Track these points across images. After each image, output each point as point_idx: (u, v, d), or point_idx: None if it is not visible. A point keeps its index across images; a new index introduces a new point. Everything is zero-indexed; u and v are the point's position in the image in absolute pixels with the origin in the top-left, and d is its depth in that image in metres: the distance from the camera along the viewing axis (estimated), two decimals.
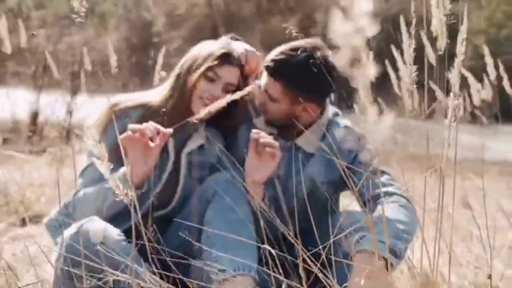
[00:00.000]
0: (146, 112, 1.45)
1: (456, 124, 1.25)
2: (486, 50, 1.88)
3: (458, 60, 1.22)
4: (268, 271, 1.22)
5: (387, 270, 1.23)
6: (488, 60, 1.94)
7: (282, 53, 1.44)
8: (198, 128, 1.48)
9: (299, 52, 1.42)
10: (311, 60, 1.41)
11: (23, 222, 2.23)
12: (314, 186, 1.48)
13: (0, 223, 2.09)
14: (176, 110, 1.43)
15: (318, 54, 1.44)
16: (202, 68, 1.43)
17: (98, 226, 1.29)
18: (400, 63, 1.38)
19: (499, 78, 2.16)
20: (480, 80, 2.23)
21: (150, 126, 1.32)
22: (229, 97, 1.26)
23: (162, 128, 1.33)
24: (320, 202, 1.44)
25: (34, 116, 5.99)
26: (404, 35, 1.34)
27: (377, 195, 1.41)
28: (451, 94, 1.22)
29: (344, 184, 1.38)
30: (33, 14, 9.47)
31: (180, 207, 1.45)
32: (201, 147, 1.49)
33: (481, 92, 2.22)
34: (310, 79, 1.39)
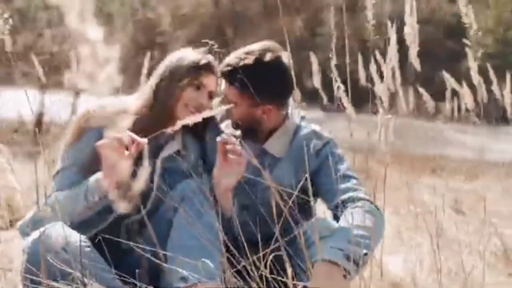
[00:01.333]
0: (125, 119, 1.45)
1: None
2: (469, 54, 1.84)
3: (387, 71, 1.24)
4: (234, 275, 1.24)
5: (345, 277, 1.23)
6: (472, 64, 1.91)
7: (235, 57, 1.46)
8: (175, 135, 1.50)
9: (250, 55, 1.44)
10: (262, 63, 1.43)
11: (11, 225, 2.24)
12: (282, 191, 1.48)
13: None
14: (157, 118, 1.44)
15: (269, 56, 1.45)
16: (191, 77, 1.45)
17: (60, 232, 1.29)
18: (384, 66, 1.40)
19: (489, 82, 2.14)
20: (487, 81, 2.21)
21: (126, 135, 1.33)
22: (212, 112, 1.29)
23: (137, 138, 1.34)
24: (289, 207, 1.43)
25: (40, 116, 6.01)
26: (392, 38, 1.35)
27: (344, 200, 1.41)
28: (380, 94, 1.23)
29: (313, 189, 1.38)
30: (41, 14, 9.51)
31: (153, 213, 1.45)
32: (177, 153, 1.50)
33: (481, 94, 2.18)
34: (262, 81, 1.39)
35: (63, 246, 1.27)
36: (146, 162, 1.40)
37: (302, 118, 1.60)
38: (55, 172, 1.47)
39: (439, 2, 12.28)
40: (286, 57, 1.47)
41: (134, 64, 9.25)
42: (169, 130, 1.27)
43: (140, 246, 1.34)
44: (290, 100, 1.59)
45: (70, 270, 1.22)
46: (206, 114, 1.25)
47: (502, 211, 2.84)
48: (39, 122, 5.98)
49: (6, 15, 1.73)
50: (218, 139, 1.37)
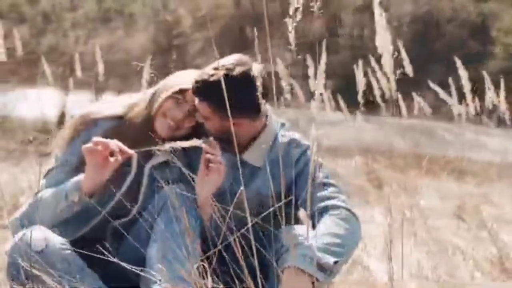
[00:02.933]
0: (117, 124, 1.51)
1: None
2: (459, 63, 1.81)
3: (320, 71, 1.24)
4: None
5: (314, 284, 1.26)
6: (462, 72, 1.87)
7: (204, 73, 1.48)
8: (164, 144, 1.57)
9: (219, 70, 1.46)
10: (231, 77, 1.45)
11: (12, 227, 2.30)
12: (262, 200, 1.50)
13: None
14: (146, 125, 1.49)
15: (238, 70, 1.47)
16: (176, 88, 1.50)
17: (40, 235, 1.34)
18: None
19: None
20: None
21: (114, 143, 1.40)
22: (189, 143, 1.36)
23: (125, 148, 1.40)
24: (269, 216, 1.41)
25: (61, 116, 6.12)
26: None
27: (321, 208, 1.43)
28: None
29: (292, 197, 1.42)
30: (66, 15, 9.68)
31: (138, 218, 1.49)
32: (165, 163, 1.53)
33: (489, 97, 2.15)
34: (231, 96, 1.37)
35: (42, 249, 1.32)
36: (134, 167, 1.48)
37: (282, 125, 1.62)
38: (46, 170, 1.52)
39: (462, 2, 12.10)
40: (257, 70, 1.49)
41: (154, 64, 9.33)
42: (156, 148, 1.35)
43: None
44: (269, 108, 1.60)
45: (37, 273, 1.27)
46: (184, 144, 1.33)
47: (507, 216, 2.79)
48: (60, 121, 6.09)
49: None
50: (203, 145, 1.41)
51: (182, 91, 1.50)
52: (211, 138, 1.50)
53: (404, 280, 1.71)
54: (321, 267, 1.28)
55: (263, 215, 1.34)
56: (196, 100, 1.49)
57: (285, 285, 1.28)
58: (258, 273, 1.26)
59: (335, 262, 1.30)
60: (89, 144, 1.39)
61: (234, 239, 1.29)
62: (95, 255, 1.36)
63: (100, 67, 3.05)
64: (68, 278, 1.30)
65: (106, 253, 1.30)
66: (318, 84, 1.65)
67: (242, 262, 1.25)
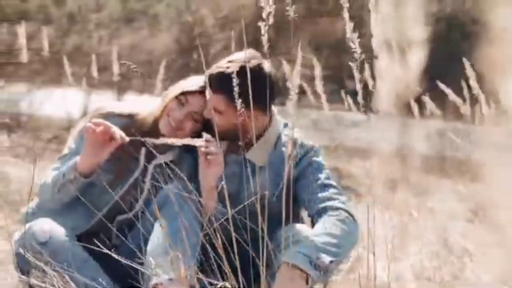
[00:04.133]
0: (127, 122, 1.60)
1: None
2: (467, 64, 1.76)
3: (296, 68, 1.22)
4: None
5: (308, 282, 1.30)
6: (470, 73, 1.81)
7: (219, 66, 1.53)
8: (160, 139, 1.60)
9: (234, 63, 1.51)
10: (248, 69, 1.48)
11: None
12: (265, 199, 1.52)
13: (5, 220, 2.20)
14: (153, 125, 1.58)
15: (252, 62, 1.52)
16: (179, 90, 1.58)
17: (44, 227, 1.41)
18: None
19: None
20: None
21: (115, 127, 1.47)
22: (183, 141, 1.45)
23: (122, 134, 1.48)
24: (273, 214, 1.43)
25: (84, 115, 6.22)
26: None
27: (321, 209, 1.46)
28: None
29: (293, 197, 1.45)
30: (91, 16, 9.83)
31: (143, 213, 1.56)
32: (171, 162, 1.59)
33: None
34: (248, 87, 1.43)
35: (46, 241, 1.38)
36: (141, 164, 1.55)
37: (285, 125, 1.63)
38: (58, 157, 1.63)
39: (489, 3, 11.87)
40: (268, 66, 1.53)
41: (177, 65, 9.41)
42: (151, 141, 1.39)
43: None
44: (274, 109, 1.62)
45: (38, 263, 1.35)
46: (185, 142, 1.37)
47: None
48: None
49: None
50: (196, 143, 1.48)
51: (185, 94, 1.55)
52: (207, 135, 1.53)
53: (404, 280, 1.74)
54: (316, 266, 1.31)
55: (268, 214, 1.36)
56: (210, 95, 1.51)
57: (279, 280, 1.31)
58: (251, 270, 1.29)
59: (331, 262, 1.34)
60: (90, 124, 1.46)
61: (234, 235, 1.32)
62: (95, 248, 1.41)
63: (115, 68, 3.12)
64: (68, 269, 1.35)
65: (101, 246, 1.35)
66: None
67: (226, 258, 1.32)
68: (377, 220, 2.61)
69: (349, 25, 1.57)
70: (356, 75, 1.43)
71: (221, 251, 1.33)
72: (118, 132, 1.47)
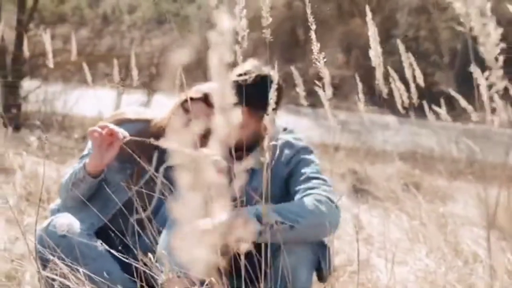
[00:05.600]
0: (140, 127, 1.65)
1: None
2: (477, 72, 1.70)
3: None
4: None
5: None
6: (481, 81, 1.75)
7: (234, 81, 1.55)
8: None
9: (249, 74, 1.55)
10: (263, 78, 1.54)
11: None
12: (259, 199, 1.55)
13: (35, 216, 2.27)
14: (164, 131, 1.63)
15: (265, 70, 1.58)
16: (182, 97, 1.63)
17: (64, 221, 1.49)
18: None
19: None
20: None
21: (119, 130, 1.53)
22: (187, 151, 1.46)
23: (125, 134, 1.54)
24: None
25: None
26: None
27: (303, 196, 1.51)
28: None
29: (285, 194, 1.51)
30: (124, 17, 10.02)
31: (156, 213, 1.62)
32: None
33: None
34: (267, 96, 1.46)
35: (65, 234, 1.46)
36: (152, 166, 1.59)
37: (284, 129, 1.69)
38: (80, 157, 1.69)
39: None
40: (273, 72, 1.58)
41: (205, 66, 9.48)
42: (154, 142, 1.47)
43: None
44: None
45: (50, 257, 1.41)
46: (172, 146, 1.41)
47: None
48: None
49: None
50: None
51: (187, 100, 1.62)
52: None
53: (408, 283, 1.73)
54: (261, 220, 1.38)
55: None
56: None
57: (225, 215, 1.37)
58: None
59: (277, 223, 1.39)
60: (95, 127, 1.52)
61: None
62: (106, 245, 1.49)
63: (135, 73, 3.20)
64: (83, 264, 1.41)
65: (96, 243, 1.41)
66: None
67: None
68: (389, 223, 2.60)
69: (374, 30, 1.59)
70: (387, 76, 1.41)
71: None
72: (121, 131, 1.53)
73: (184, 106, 1.63)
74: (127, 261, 1.50)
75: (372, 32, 1.63)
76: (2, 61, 6.14)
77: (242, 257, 1.33)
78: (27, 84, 6.85)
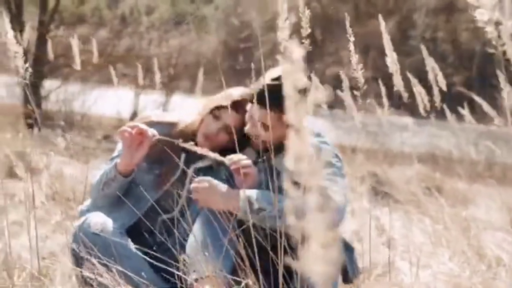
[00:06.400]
0: (167, 131, 1.67)
1: None
2: (502, 79, 1.68)
3: None
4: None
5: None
6: (506, 88, 1.73)
7: (266, 85, 1.56)
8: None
9: (279, 78, 1.54)
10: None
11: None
12: None
13: (62, 215, 2.31)
14: (192, 134, 1.67)
15: None
16: (213, 105, 1.65)
17: (98, 219, 1.52)
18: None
19: None
20: None
21: (149, 130, 1.57)
22: (217, 156, 1.53)
23: (154, 133, 1.57)
24: None
25: (134, 114, 6.41)
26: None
27: None
28: None
29: None
30: (142, 18, 10.11)
31: (184, 213, 1.64)
32: (210, 168, 1.69)
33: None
34: None
35: (99, 232, 1.49)
36: (181, 167, 1.62)
37: (317, 135, 1.69)
38: (110, 158, 1.73)
39: None
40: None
41: (223, 66, 9.53)
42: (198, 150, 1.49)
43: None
44: None
45: (90, 257, 1.44)
46: (216, 156, 1.50)
47: None
48: (133, 120, 6.38)
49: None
50: (227, 162, 1.56)
51: (219, 108, 1.64)
52: (237, 155, 1.59)
53: (432, 286, 1.72)
54: (250, 203, 1.46)
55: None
56: (262, 112, 1.57)
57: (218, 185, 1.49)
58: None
59: (260, 209, 1.45)
60: (124, 127, 1.56)
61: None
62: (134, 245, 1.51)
63: (157, 75, 3.28)
64: (116, 262, 1.44)
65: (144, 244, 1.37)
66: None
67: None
68: (410, 227, 2.59)
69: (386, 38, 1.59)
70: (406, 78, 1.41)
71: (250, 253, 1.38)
72: (150, 131, 1.56)
73: (213, 113, 1.64)
74: (150, 261, 1.52)
75: (387, 40, 1.62)
76: (24, 61, 6.25)
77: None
78: (48, 84, 6.97)
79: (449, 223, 2.50)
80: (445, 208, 2.74)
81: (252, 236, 1.41)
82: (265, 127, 1.60)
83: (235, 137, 1.57)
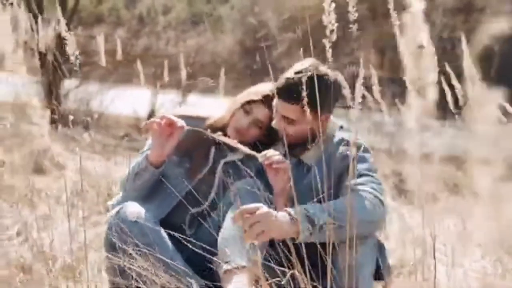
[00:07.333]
0: (200, 125, 1.68)
1: None
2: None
3: None
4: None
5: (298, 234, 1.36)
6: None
7: (289, 78, 1.58)
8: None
9: (304, 72, 1.55)
10: (318, 76, 1.55)
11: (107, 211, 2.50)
12: (317, 195, 1.55)
13: (88, 211, 2.36)
14: (221, 130, 1.67)
15: (321, 69, 1.59)
16: (244, 100, 1.67)
17: (134, 209, 1.54)
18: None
19: None
20: None
21: (179, 120, 1.58)
22: (248, 151, 1.53)
23: (183, 123, 1.58)
24: None
25: (150, 114, 6.47)
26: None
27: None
28: None
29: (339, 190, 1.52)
30: (159, 18, 10.19)
31: (213, 207, 1.66)
32: (240, 161, 1.70)
33: None
34: (321, 93, 1.49)
35: (136, 220, 1.51)
36: (210, 161, 1.65)
37: (340, 127, 1.71)
38: (140, 152, 1.75)
39: None
40: (330, 71, 1.59)
41: (240, 66, 9.56)
42: (213, 135, 1.51)
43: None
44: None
45: (127, 247, 1.46)
46: (247, 151, 1.49)
47: None
48: (150, 119, 6.44)
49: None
50: (261, 159, 1.55)
51: (250, 103, 1.60)
52: (269, 151, 1.58)
53: (466, 285, 1.72)
54: (309, 219, 1.39)
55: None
56: (284, 106, 1.58)
57: (274, 215, 1.40)
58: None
59: (330, 224, 1.39)
60: (154, 119, 1.59)
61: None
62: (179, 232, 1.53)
63: (183, 73, 3.30)
64: (154, 250, 1.47)
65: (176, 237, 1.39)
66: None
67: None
68: (438, 226, 2.58)
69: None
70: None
71: (290, 244, 1.37)
72: (180, 122, 1.58)
73: (244, 107, 1.65)
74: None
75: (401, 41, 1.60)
76: (44, 60, 6.36)
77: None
78: (67, 83, 7.07)
79: (480, 221, 2.46)
80: (473, 206, 2.71)
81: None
82: (288, 121, 1.60)
83: (264, 132, 1.59)
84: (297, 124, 1.61)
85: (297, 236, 1.38)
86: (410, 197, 3.48)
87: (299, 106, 1.55)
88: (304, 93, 1.46)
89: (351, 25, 1.39)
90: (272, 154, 1.55)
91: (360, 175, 1.56)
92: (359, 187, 1.52)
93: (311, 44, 1.52)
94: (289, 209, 1.42)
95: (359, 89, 1.54)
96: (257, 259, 1.39)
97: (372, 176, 1.57)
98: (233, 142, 1.53)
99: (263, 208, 1.38)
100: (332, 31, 1.34)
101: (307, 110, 1.52)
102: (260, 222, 1.35)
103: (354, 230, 1.41)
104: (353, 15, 1.36)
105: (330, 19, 1.31)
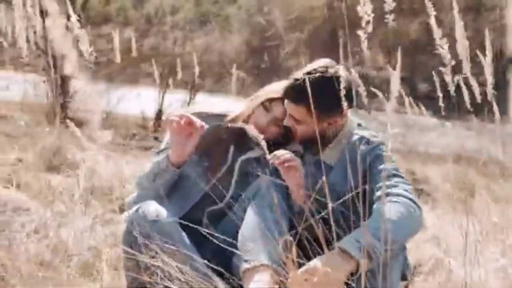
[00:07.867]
0: (219, 123, 1.68)
1: None
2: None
3: None
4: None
5: (358, 269, 1.29)
6: None
7: (297, 79, 1.56)
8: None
9: (313, 73, 1.54)
10: (327, 78, 1.53)
11: (121, 210, 2.50)
12: (338, 195, 1.53)
13: (102, 209, 2.37)
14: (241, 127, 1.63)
15: (330, 71, 1.56)
16: (264, 97, 1.66)
17: (153, 207, 1.53)
18: None
19: None
20: None
21: (197, 120, 1.56)
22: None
23: (202, 123, 1.56)
24: (348, 209, 1.46)
25: (158, 113, 6.48)
26: None
27: (380, 196, 1.46)
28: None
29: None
30: (167, 18, 10.23)
31: (231, 205, 1.64)
32: (258, 159, 1.69)
33: None
34: (328, 96, 1.47)
35: (155, 219, 1.50)
36: (229, 159, 1.63)
37: (359, 125, 1.68)
38: (157, 151, 1.75)
39: None
40: (344, 71, 1.54)
41: (247, 65, 9.56)
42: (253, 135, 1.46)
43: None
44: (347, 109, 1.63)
45: (144, 242, 1.45)
46: (257, 135, 1.45)
47: None
48: (157, 118, 6.44)
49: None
50: (271, 160, 1.54)
51: (270, 100, 1.64)
52: (279, 151, 1.58)
53: (486, 283, 1.69)
54: (368, 253, 1.31)
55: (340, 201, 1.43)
56: (290, 106, 1.58)
57: (325, 258, 1.33)
58: None
59: (386, 250, 1.32)
60: (172, 117, 1.56)
61: (317, 223, 1.36)
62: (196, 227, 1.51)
63: (196, 71, 3.31)
64: (175, 247, 1.45)
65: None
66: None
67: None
68: (456, 226, 2.55)
69: (438, 31, 1.56)
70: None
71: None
72: (199, 121, 1.57)
73: (264, 105, 1.65)
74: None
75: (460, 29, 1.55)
76: (54, 60, 6.40)
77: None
78: (76, 82, 7.10)
79: (497, 220, 2.44)
80: (490, 205, 2.67)
81: (316, 227, 1.38)
82: (296, 120, 1.60)
83: (282, 130, 1.59)
84: (303, 124, 1.61)
85: (356, 269, 1.34)
86: (423, 196, 3.45)
87: (305, 107, 1.54)
88: (309, 95, 1.45)
89: (387, 16, 1.36)
90: (281, 154, 1.55)
91: (390, 176, 1.52)
92: (393, 190, 1.48)
93: (340, 42, 1.52)
94: (340, 245, 1.36)
95: (396, 83, 1.51)
96: (284, 259, 1.36)
97: (402, 176, 1.55)
98: (256, 132, 1.50)
99: (320, 268, 1.31)
100: (368, 22, 1.32)
101: (313, 111, 1.51)
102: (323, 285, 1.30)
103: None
104: (389, 6, 1.32)
105: (365, 10, 1.29)
